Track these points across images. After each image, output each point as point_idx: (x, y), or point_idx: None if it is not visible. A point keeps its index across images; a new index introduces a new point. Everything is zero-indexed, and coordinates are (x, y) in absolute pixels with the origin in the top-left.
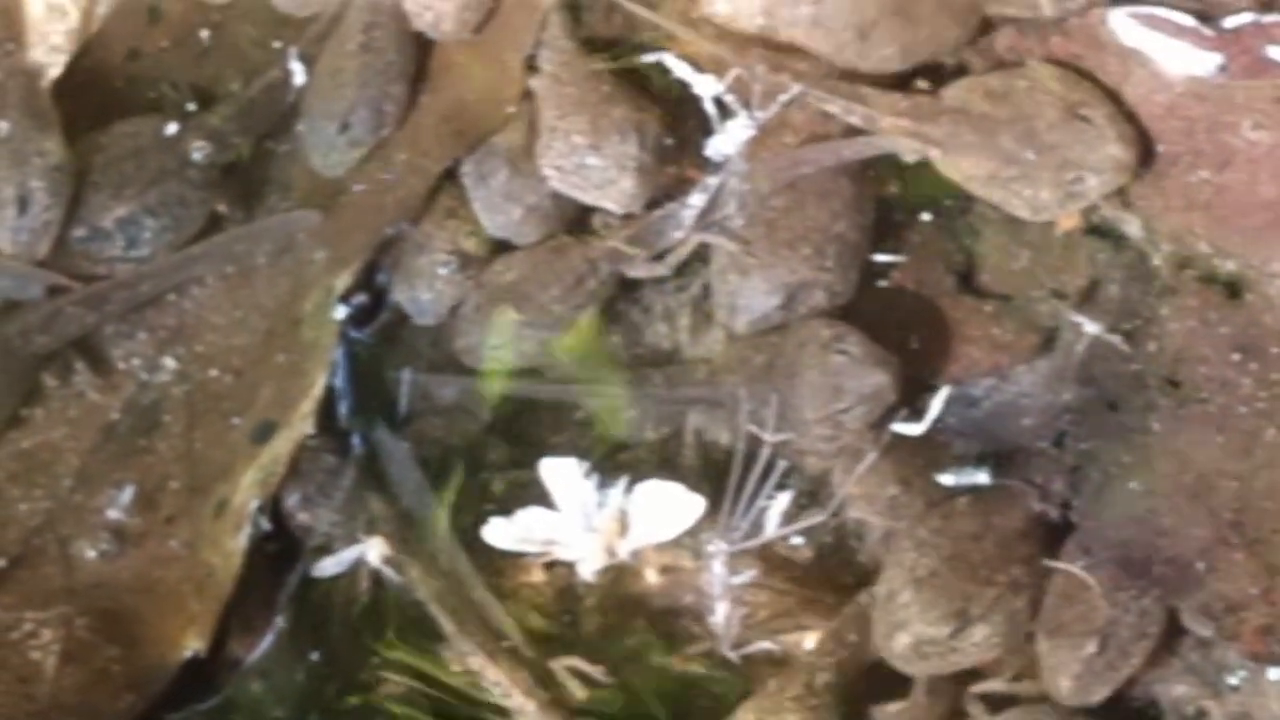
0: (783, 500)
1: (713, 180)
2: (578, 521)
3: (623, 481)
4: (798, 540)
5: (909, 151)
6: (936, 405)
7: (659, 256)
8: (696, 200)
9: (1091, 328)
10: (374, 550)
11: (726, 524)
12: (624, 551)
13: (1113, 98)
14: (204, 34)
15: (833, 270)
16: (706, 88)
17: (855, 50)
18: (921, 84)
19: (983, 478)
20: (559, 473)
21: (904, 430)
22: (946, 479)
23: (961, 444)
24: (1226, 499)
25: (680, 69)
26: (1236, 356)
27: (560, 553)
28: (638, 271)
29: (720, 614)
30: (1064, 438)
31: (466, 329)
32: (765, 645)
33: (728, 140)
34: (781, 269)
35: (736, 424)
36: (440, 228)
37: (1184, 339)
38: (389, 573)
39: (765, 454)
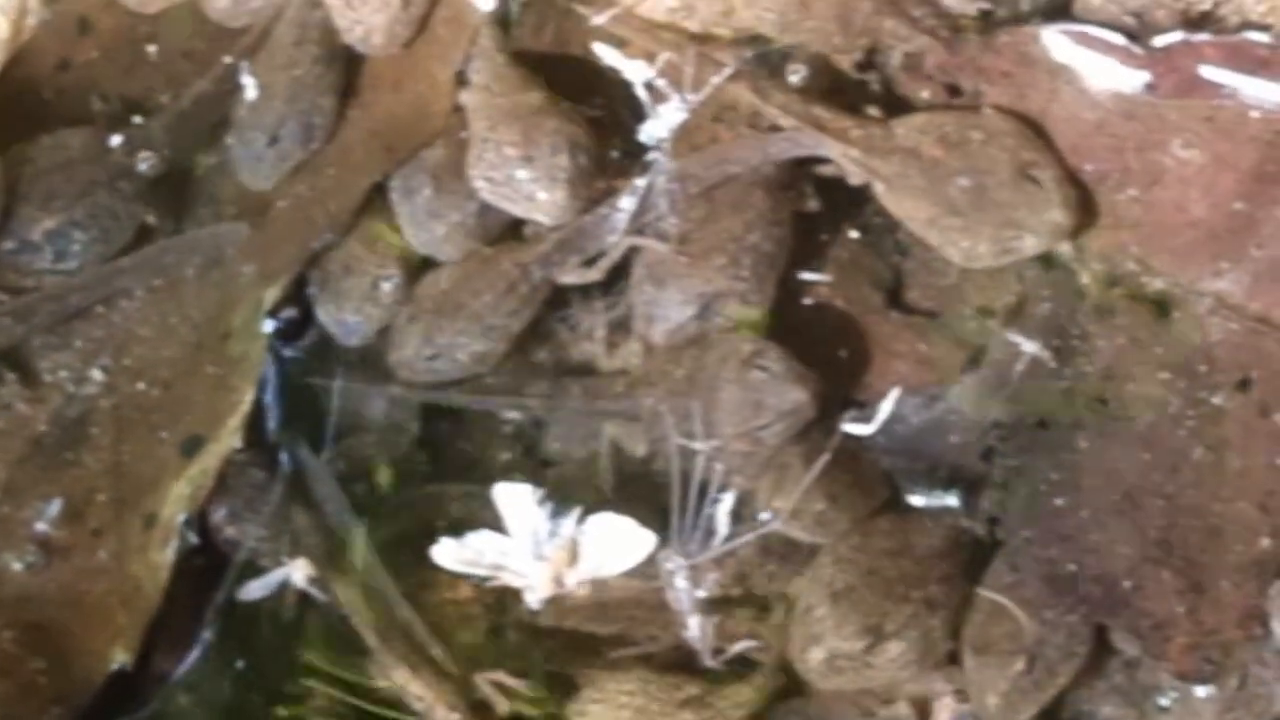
0: (728, 500)
1: (641, 182)
2: (528, 549)
3: (575, 511)
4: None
5: (853, 175)
6: (886, 407)
7: (590, 262)
8: (627, 204)
9: (1029, 347)
10: (299, 572)
11: (679, 538)
12: (572, 582)
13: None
14: (133, 45)
15: (748, 280)
16: (637, 73)
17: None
18: (873, 111)
19: (952, 501)
20: (512, 498)
21: (853, 430)
22: (916, 500)
23: (889, 460)
24: (1154, 517)
25: (610, 56)
26: (1165, 375)
27: (508, 579)
28: (569, 277)
29: (694, 627)
30: (991, 454)
31: (401, 341)
32: (747, 644)
33: (660, 125)
34: (696, 279)
35: (654, 437)
36: (367, 248)
37: (1112, 357)
38: (315, 592)
39: (700, 462)
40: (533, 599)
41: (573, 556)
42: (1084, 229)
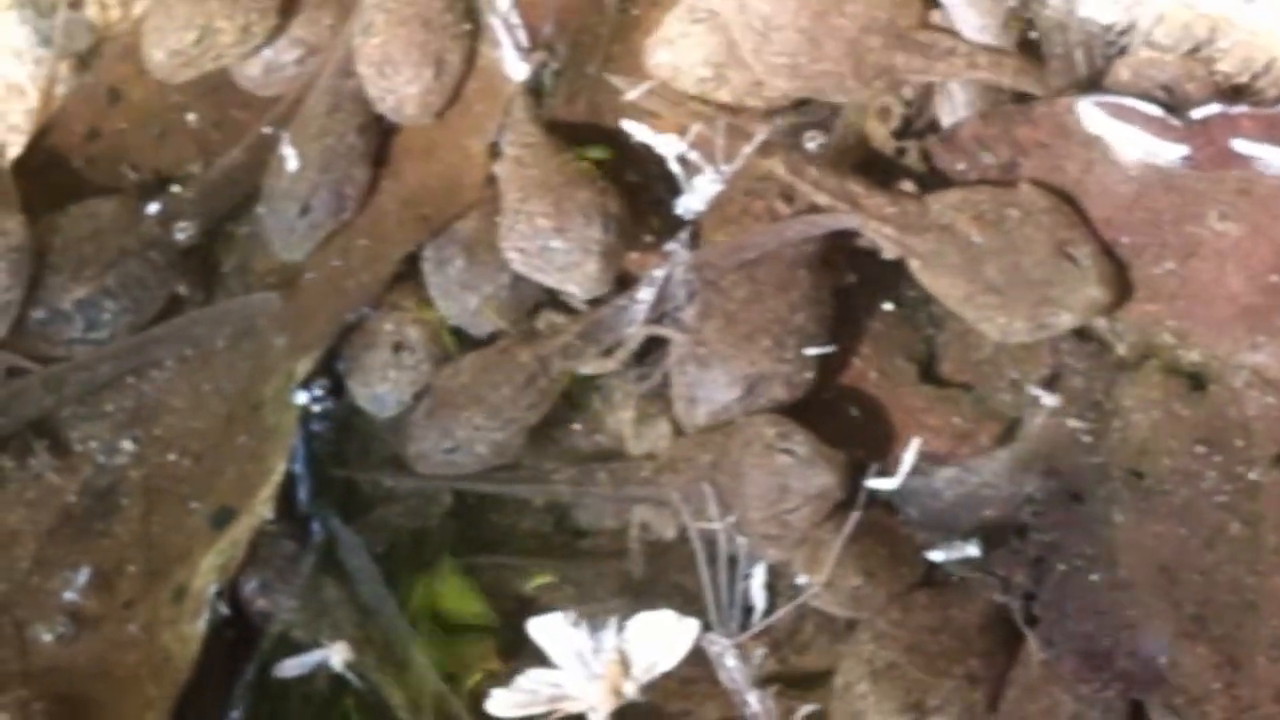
0: (760, 574)
1: (659, 272)
2: (579, 673)
3: (613, 621)
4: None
5: (888, 250)
6: (908, 460)
7: (608, 351)
8: (645, 295)
9: (1049, 400)
10: (337, 655)
11: (718, 618)
12: (631, 691)
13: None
14: (164, 114)
15: (792, 362)
16: (670, 147)
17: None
18: (908, 186)
19: (972, 550)
20: (549, 629)
21: (877, 486)
22: (936, 555)
23: (923, 535)
24: (1190, 592)
25: (640, 132)
26: (1201, 449)
27: (569, 707)
28: (588, 368)
29: (754, 702)
30: (1026, 529)
31: (419, 435)
32: (809, 708)
33: (696, 198)
34: (741, 361)
35: (683, 520)
36: (383, 319)
37: (1148, 431)
38: (351, 676)
39: (723, 539)
40: (598, 718)
41: (625, 666)
42: (1120, 302)
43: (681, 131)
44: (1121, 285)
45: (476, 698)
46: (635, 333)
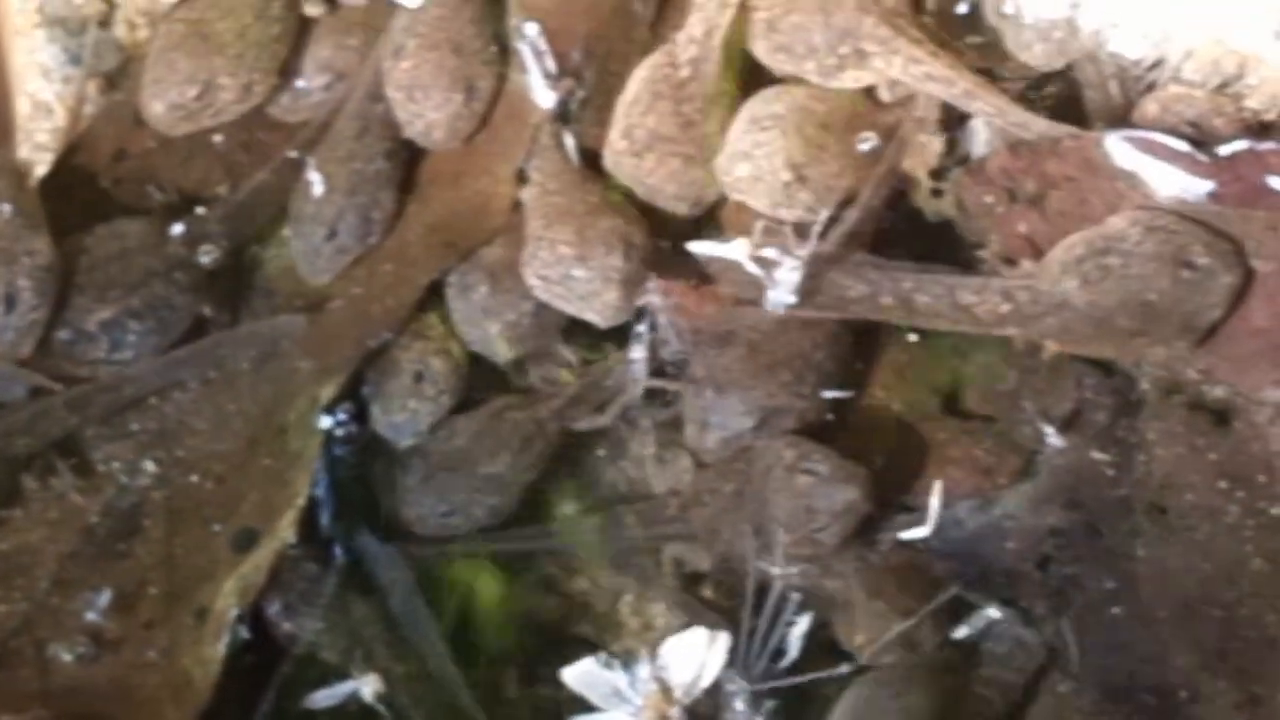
0: (803, 624)
1: (642, 329)
2: (623, 710)
3: (644, 653)
4: None
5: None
6: (935, 505)
7: (602, 407)
8: (637, 353)
9: (1056, 441)
10: (368, 687)
11: (744, 660)
12: (677, 715)
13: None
14: (191, 136)
15: (809, 399)
16: (739, 251)
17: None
18: (1028, 266)
19: (994, 613)
20: (583, 676)
21: (909, 536)
22: (962, 632)
23: (943, 566)
24: (1211, 628)
25: (705, 247)
26: (1224, 484)
27: None
28: (582, 425)
29: None
30: (1048, 561)
31: (414, 500)
32: None
33: (783, 290)
34: (759, 392)
35: (715, 552)
36: (407, 349)
37: (1171, 465)
38: (382, 709)
39: (776, 587)
40: None
41: (666, 691)
42: None
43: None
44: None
45: None
46: (631, 389)
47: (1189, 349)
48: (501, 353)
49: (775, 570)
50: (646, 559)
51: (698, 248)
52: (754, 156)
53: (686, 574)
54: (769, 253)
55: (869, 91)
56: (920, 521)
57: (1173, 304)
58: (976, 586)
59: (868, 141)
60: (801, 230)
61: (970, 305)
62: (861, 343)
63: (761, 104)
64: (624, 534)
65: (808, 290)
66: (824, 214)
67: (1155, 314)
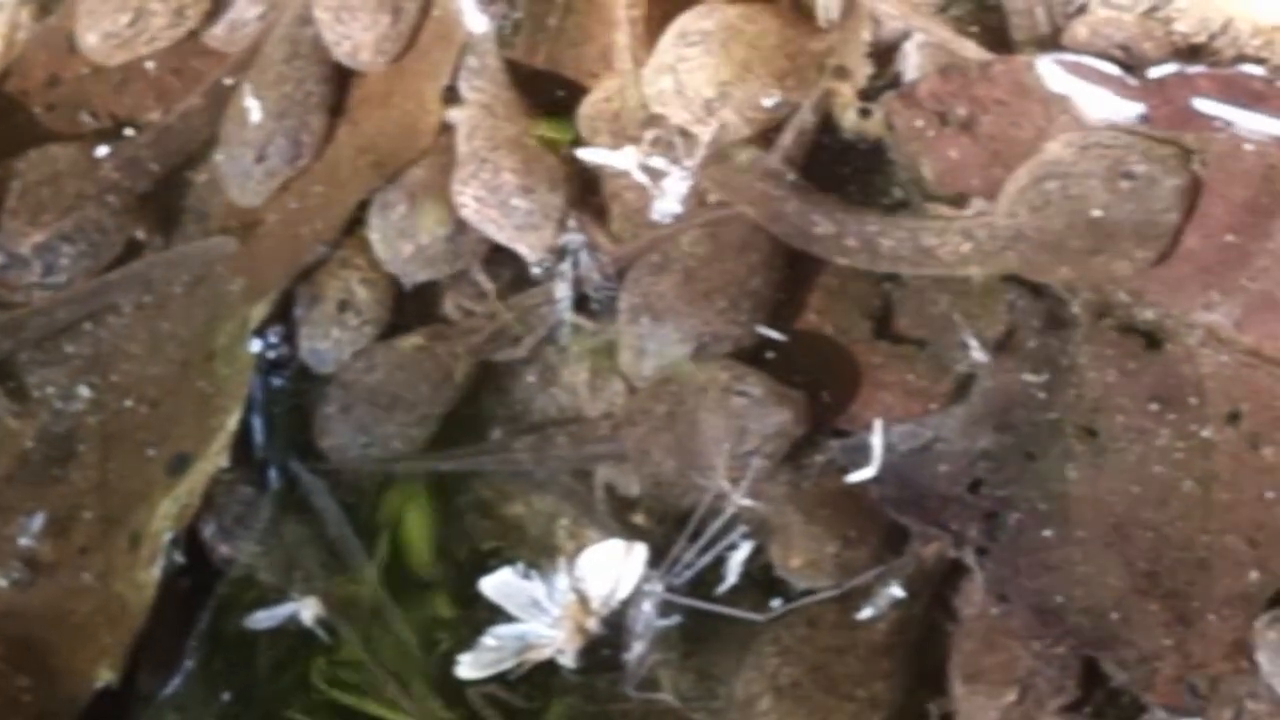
0: (744, 550)
1: (565, 267)
2: (540, 621)
3: (561, 562)
4: None
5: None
6: (877, 444)
7: (516, 340)
8: (562, 290)
9: (980, 355)
10: (308, 610)
11: (669, 567)
12: (595, 625)
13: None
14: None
15: (744, 325)
16: (628, 160)
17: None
18: (979, 203)
19: (896, 592)
20: (501, 585)
21: (856, 479)
22: (866, 613)
23: (877, 489)
24: (1142, 549)
25: (593, 155)
26: (1155, 407)
27: (538, 655)
28: (500, 356)
29: (635, 652)
30: (980, 484)
31: (334, 429)
32: (666, 698)
33: (670, 199)
34: (695, 320)
35: (645, 474)
36: (334, 276)
37: (1102, 388)
38: (320, 632)
39: (723, 508)
40: (568, 659)
41: (584, 602)
42: None
43: (635, 141)
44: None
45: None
46: (550, 324)
47: (1156, 257)
48: (416, 274)
49: (733, 495)
50: (578, 482)
51: (587, 154)
52: (677, 70)
53: (618, 499)
54: (657, 162)
55: (800, 10)
56: (860, 457)
57: (1121, 216)
58: (910, 510)
59: (772, 99)
60: (690, 140)
61: (933, 248)
62: (794, 267)
63: (692, 19)
64: (555, 454)
65: (770, 215)
66: (715, 124)
67: (1105, 230)
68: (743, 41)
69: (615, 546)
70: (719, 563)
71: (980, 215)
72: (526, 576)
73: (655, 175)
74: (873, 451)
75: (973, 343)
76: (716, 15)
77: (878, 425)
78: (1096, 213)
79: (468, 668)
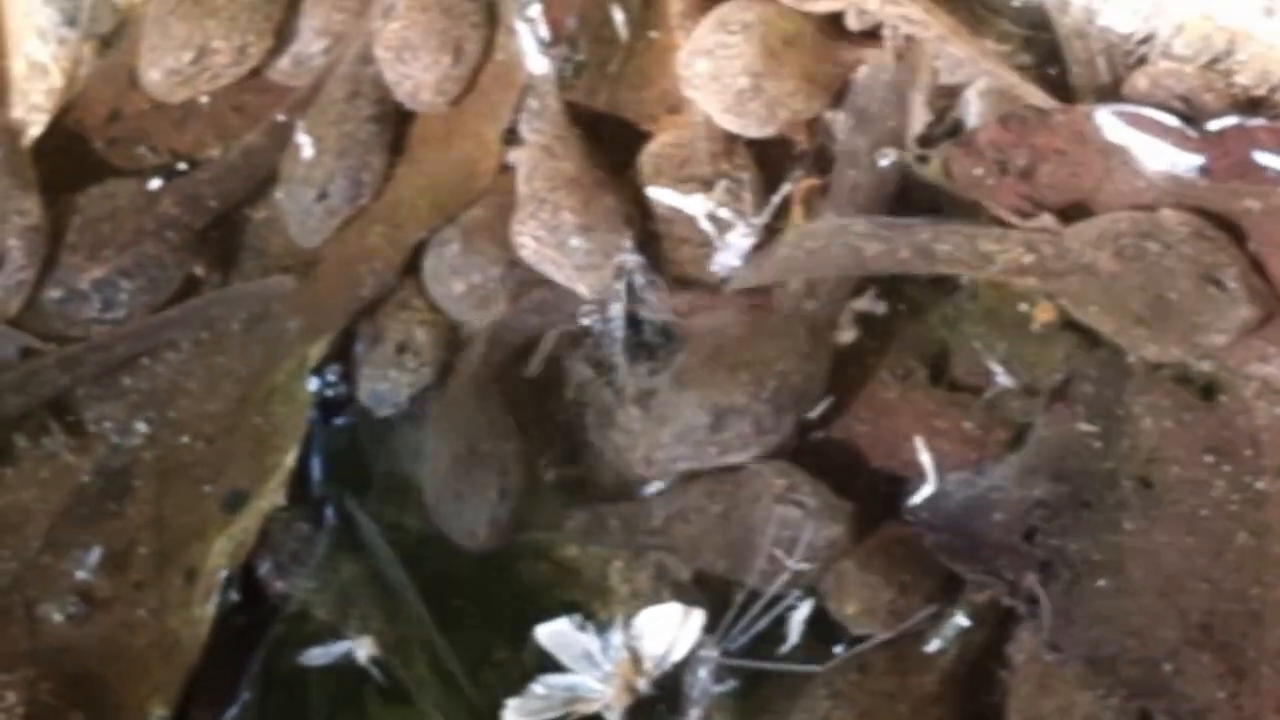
0: (804, 609)
1: (620, 285)
2: (591, 674)
3: (619, 620)
4: None
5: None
6: (927, 461)
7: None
8: (615, 310)
9: (1004, 380)
10: (363, 649)
11: (725, 633)
12: (645, 686)
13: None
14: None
15: (766, 406)
16: (697, 207)
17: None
18: (1047, 221)
19: (962, 621)
20: (555, 635)
21: (918, 499)
22: (932, 647)
23: (932, 537)
24: (1196, 601)
25: (663, 195)
26: (1209, 458)
27: (585, 708)
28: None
29: (691, 718)
30: (1034, 533)
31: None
32: None
33: (732, 254)
34: (715, 390)
35: (695, 567)
36: (393, 318)
37: (1157, 438)
38: (375, 672)
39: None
40: (614, 717)
41: (637, 661)
42: (1268, 314)
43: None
44: (1269, 298)
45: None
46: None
47: (1179, 359)
48: (466, 313)
49: (789, 563)
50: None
51: (658, 195)
52: (716, 55)
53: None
54: (724, 213)
55: (838, 25)
56: (916, 489)
57: (1187, 310)
58: (964, 559)
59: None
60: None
61: (992, 253)
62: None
63: (733, 9)
64: (607, 537)
65: (821, 258)
66: (786, 187)
67: (1166, 311)
68: (779, 37)
69: (673, 610)
70: (778, 622)
71: (1046, 231)
72: (582, 628)
73: (721, 226)
74: (927, 470)
75: (996, 369)
76: (758, 8)
77: (920, 443)
78: (1173, 295)
79: (514, 713)
